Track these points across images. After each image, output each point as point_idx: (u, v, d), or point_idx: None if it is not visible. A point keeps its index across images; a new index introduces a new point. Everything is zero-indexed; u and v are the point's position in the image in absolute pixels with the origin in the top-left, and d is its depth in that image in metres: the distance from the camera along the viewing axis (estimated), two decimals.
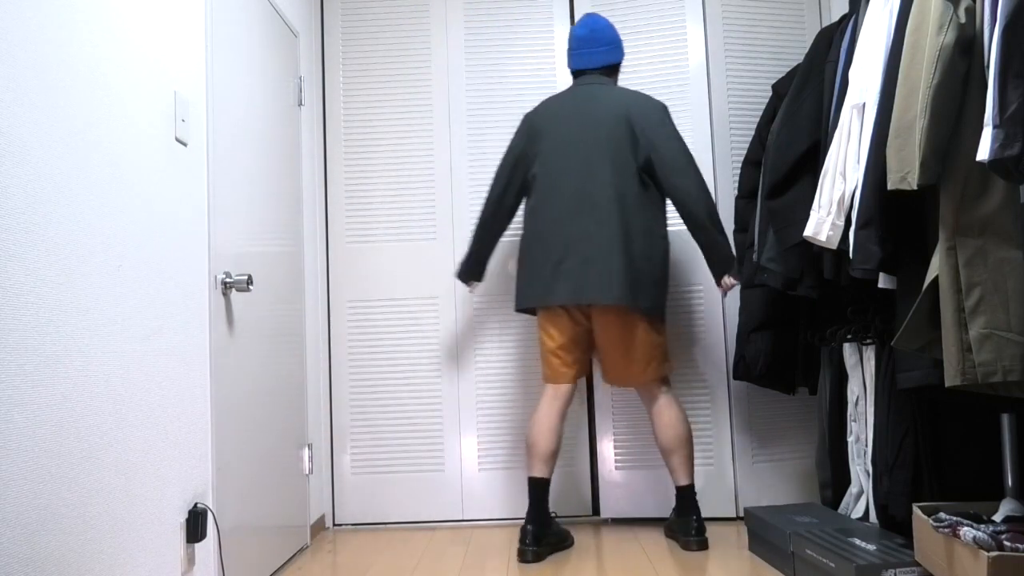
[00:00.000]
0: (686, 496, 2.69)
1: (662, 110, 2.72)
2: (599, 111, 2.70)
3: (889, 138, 1.79)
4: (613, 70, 2.85)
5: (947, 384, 1.67)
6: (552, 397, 2.72)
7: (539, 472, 2.67)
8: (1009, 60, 1.42)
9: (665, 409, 2.70)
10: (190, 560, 1.96)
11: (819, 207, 2.16)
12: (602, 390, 3.10)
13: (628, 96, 2.74)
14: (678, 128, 2.72)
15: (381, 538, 2.96)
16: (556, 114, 2.76)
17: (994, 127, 1.45)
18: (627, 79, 3.16)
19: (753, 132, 2.96)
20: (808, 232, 2.17)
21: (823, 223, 2.13)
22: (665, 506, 3.01)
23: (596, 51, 2.80)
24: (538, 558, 2.57)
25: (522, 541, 2.57)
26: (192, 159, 2.07)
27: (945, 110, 1.68)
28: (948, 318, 1.67)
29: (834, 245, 2.12)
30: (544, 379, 2.76)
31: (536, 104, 2.85)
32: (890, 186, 1.78)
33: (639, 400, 3.08)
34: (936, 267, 1.72)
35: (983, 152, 1.48)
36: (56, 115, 1.49)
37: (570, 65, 2.84)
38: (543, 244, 2.67)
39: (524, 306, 2.73)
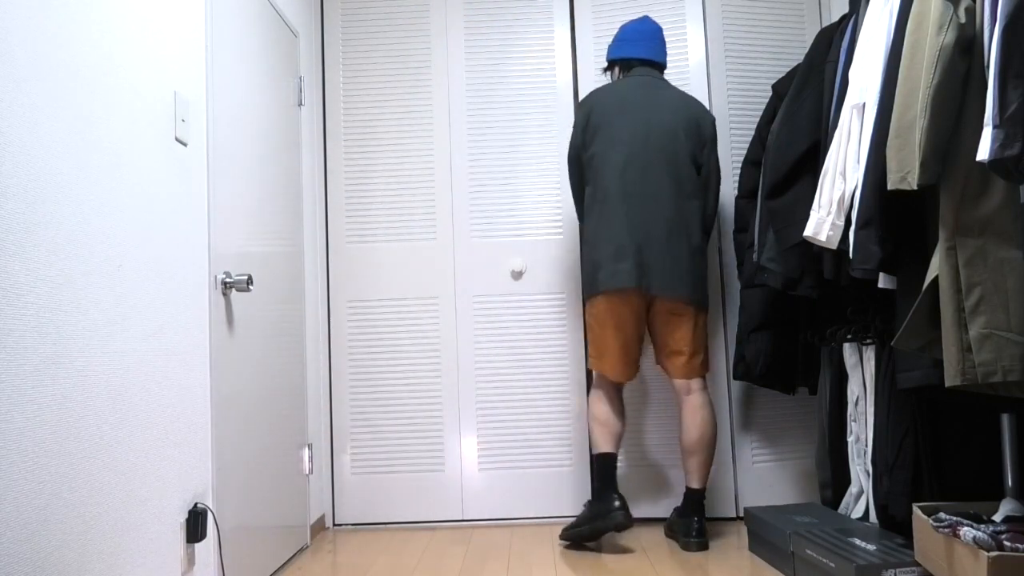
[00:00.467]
0: (694, 499, 2.70)
1: (715, 125, 2.83)
2: (667, 106, 2.75)
3: (889, 138, 1.79)
4: (663, 70, 2.90)
5: (947, 384, 1.67)
6: (617, 389, 2.78)
7: (614, 448, 2.72)
8: (1009, 60, 1.42)
9: (700, 408, 2.71)
10: (190, 560, 1.96)
11: (819, 207, 2.16)
12: None
13: (693, 102, 2.81)
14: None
15: (381, 538, 2.96)
16: (619, 103, 2.77)
17: (994, 127, 1.45)
18: None
19: (753, 132, 2.96)
20: (808, 232, 2.17)
21: (823, 223, 2.13)
22: (665, 506, 3.01)
23: (658, 46, 2.87)
24: (629, 520, 2.58)
25: (613, 511, 2.58)
26: (192, 159, 2.07)
27: (945, 110, 1.68)
28: (948, 318, 1.67)
29: (834, 245, 2.12)
30: (614, 378, 2.75)
31: (589, 93, 2.87)
32: (890, 186, 1.78)
33: (638, 400, 3.08)
34: (936, 267, 1.72)
35: (983, 152, 1.48)
36: (56, 115, 1.49)
37: (626, 52, 2.86)
38: (610, 233, 2.68)
39: (592, 292, 2.74)
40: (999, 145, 1.43)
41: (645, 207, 2.67)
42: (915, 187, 1.70)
